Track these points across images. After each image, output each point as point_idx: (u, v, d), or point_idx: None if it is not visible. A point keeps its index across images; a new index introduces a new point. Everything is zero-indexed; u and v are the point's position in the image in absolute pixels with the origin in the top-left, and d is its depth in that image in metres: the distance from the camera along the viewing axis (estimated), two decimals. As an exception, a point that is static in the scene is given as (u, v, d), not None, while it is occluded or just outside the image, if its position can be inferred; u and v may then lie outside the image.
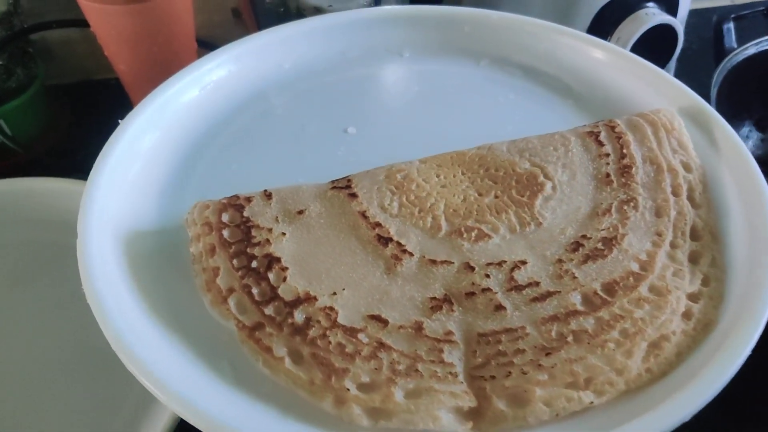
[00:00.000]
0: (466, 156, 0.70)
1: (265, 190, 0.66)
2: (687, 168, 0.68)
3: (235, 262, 0.59)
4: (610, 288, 0.57)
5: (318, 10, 0.96)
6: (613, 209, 0.64)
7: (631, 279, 0.58)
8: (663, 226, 0.63)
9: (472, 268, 0.59)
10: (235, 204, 0.64)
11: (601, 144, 0.70)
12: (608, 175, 0.67)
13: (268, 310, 0.56)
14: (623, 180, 0.67)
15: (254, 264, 0.59)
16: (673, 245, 0.62)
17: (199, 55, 1.18)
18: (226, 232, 0.61)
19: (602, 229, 0.62)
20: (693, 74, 0.77)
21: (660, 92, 0.77)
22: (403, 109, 0.84)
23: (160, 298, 0.59)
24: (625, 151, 0.69)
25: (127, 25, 1.03)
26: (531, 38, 0.87)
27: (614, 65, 0.82)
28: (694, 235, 0.63)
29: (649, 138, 0.70)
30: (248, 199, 0.64)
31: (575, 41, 0.85)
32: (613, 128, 0.71)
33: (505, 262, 0.60)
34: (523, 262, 0.60)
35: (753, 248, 0.60)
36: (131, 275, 0.59)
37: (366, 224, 0.62)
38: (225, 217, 0.62)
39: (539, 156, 0.69)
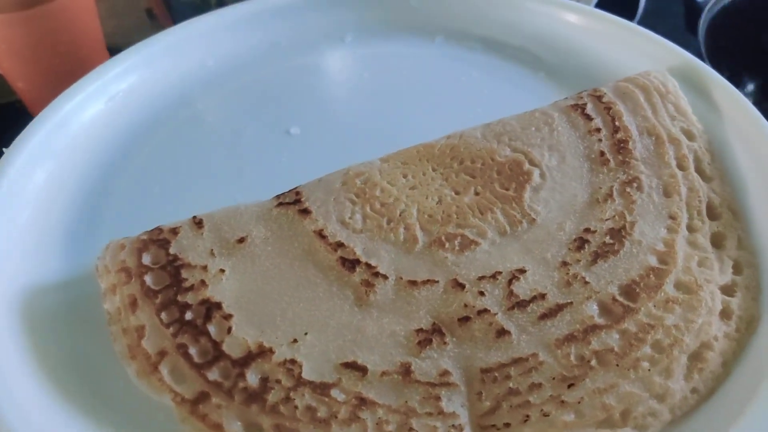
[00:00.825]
0: (434, 148, 0.58)
1: (194, 217, 0.53)
2: (689, 136, 0.58)
3: (163, 315, 0.46)
4: (630, 291, 0.47)
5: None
6: (614, 193, 0.54)
7: (652, 276, 0.48)
8: (675, 207, 0.53)
9: (462, 286, 0.48)
10: (158, 239, 0.51)
11: (589, 118, 0.59)
12: (602, 153, 0.57)
13: (213, 375, 0.43)
14: (620, 157, 0.56)
15: (189, 315, 0.46)
16: (691, 228, 0.52)
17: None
18: (149, 278, 0.48)
19: (607, 219, 0.52)
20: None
21: (642, 53, 0.67)
22: (352, 102, 0.72)
23: (70, 373, 0.46)
24: (617, 123, 0.59)
25: (18, 35, 0.88)
26: (489, 7, 0.77)
27: (586, 28, 0.72)
28: (712, 214, 0.53)
29: (642, 105, 0.60)
30: (174, 231, 0.52)
31: (539, 5, 0.75)
32: (599, 98, 0.61)
33: (500, 273, 0.49)
34: (522, 271, 0.49)
35: (782, 223, 0.51)
36: (29, 348, 0.46)
37: (325, 246, 0.51)
38: (146, 258, 0.50)
39: (520, 139, 0.58)
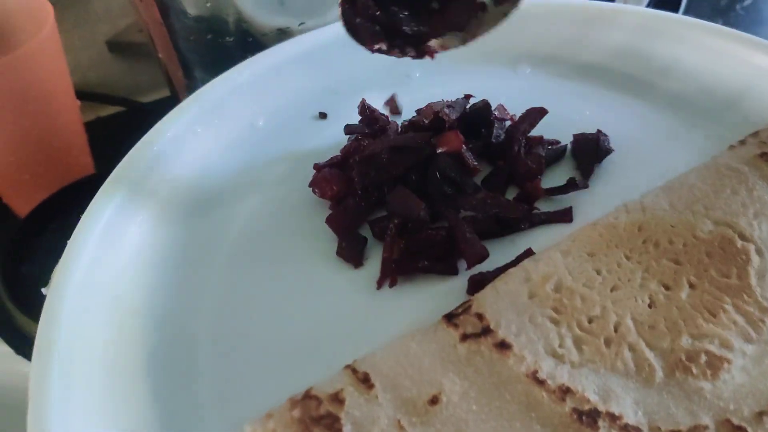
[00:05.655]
0: (618, 228, 0.46)
1: (354, 370, 0.38)
2: None
3: None
4: None
5: (283, 32, 0.66)
6: None
7: None
8: None
9: (742, 429, 0.36)
10: (321, 416, 0.36)
11: (785, 171, 0.49)
12: (815, 215, 0.47)
13: None
14: (835, 217, 0.47)
15: None
16: None
17: (85, 113, 0.86)
18: (329, 483, 0.33)
19: None
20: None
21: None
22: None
23: None
24: (820, 174, 0.49)
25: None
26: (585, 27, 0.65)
27: (706, 45, 0.62)
28: None
29: (836, 148, 0.51)
30: (337, 398, 0.37)
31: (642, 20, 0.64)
32: (787, 143, 0.51)
33: (780, 403, 0.38)
34: (802, 396, 0.38)
35: None
36: None
37: (547, 394, 0.37)
38: (313, 449, 0.35)
39: (719, 208, 0.47)
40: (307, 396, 0.37)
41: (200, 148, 0.55)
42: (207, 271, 0.48)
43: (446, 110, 0.53)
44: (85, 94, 0.93)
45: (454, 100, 0.57)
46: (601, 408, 0.37)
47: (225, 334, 0.44)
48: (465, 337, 0.40)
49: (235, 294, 0.46)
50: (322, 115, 0.61)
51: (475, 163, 0.52)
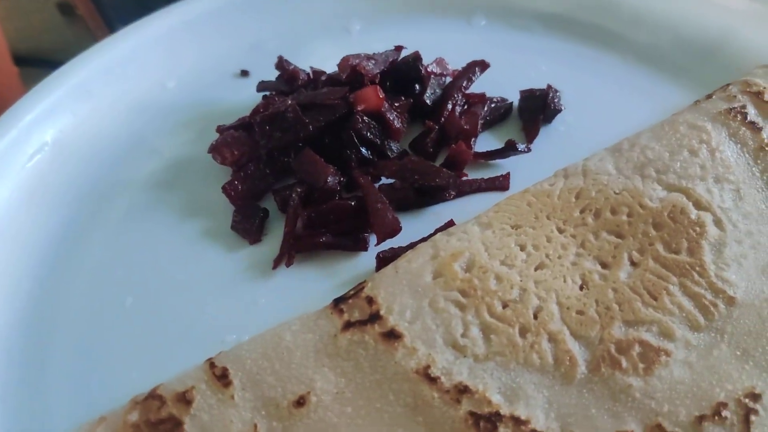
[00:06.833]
0: (553, 196, 0.39)
1: (213, 365, 0.32)
2: None
3: None
4: None
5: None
6: (827, 240, 0.37)
7: None
8: None
9: (675, 439, 0.30)
10: (161, 420, 0.30)
11: (755, 127, 0.41)
12: (789, 178, 0.40)
13: None
14: (814, 181, 0.39)
15: None
16: None
17: (25, 80, 0.81)
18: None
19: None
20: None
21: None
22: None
23: None
24: (797, 131, 0.41)
25: None
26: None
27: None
28: None
29: (819, 101, 0.43)
30: (183, 399, 0.31)
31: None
32: (760, 95, 0.43)
33: (725, 405, 0.31)
34: (754, 396, 0.31)
35: None
36: None
37: (439, 394, 0.31)
38: (145, 462, 0.29)
39: (673, 171, 0.40)
40: (152, 395, 0.31)
41: (92, 112, 0.49)
42: (85, 247, 0.42)
43: (365, 63, 0.46)
44: (39, 61, 0.88)
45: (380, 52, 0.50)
46: (505, 411, 0.31)
47: (90, 319, 0.38)
48: (348, 326, 0.33)
49: (110, 273, 0.41)
50: (244, 73, 0.55)
51: (399, 124, 0.45)
